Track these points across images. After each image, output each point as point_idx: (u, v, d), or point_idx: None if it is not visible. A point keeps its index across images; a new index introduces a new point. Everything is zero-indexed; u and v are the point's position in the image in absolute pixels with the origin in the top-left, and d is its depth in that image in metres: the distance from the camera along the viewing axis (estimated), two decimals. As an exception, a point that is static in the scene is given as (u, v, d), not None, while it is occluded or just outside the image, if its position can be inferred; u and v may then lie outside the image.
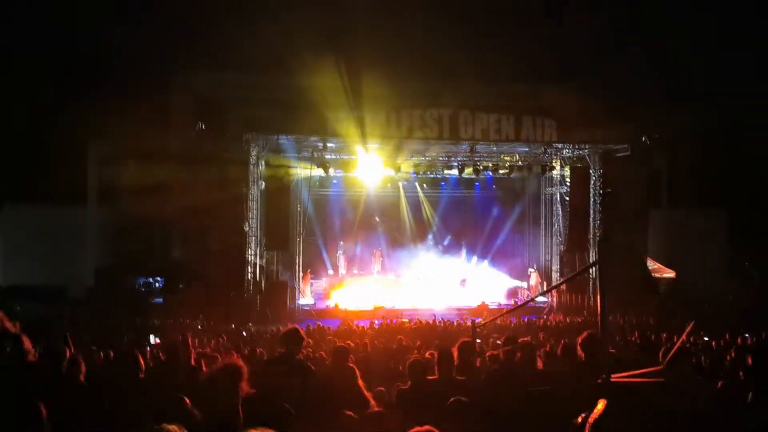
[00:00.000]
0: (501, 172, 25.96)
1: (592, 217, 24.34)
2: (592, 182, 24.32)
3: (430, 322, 18.79)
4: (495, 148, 23.82)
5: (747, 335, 12.73)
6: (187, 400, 3.80)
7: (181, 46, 22.87)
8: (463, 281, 25.51)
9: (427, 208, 27.74)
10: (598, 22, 24.79)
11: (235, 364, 4.23)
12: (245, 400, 4.31)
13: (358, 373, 5.76)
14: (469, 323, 17.30)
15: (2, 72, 22.27)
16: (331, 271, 27.01)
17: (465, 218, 28.07)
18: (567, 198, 25.15)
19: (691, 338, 12.07)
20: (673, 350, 4.76)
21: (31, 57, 22.47)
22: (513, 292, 26.05)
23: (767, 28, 24.31)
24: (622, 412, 2.70)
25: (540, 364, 6.27)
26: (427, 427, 3.09)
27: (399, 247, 27.61)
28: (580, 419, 2.72)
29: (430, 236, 27.91)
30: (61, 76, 22.51)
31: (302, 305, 23.80)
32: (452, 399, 4.26)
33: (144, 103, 21.88)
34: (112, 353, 9.30)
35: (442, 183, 27.25)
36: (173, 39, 22.69)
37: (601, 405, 2.67)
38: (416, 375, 5.45)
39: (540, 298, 24.00)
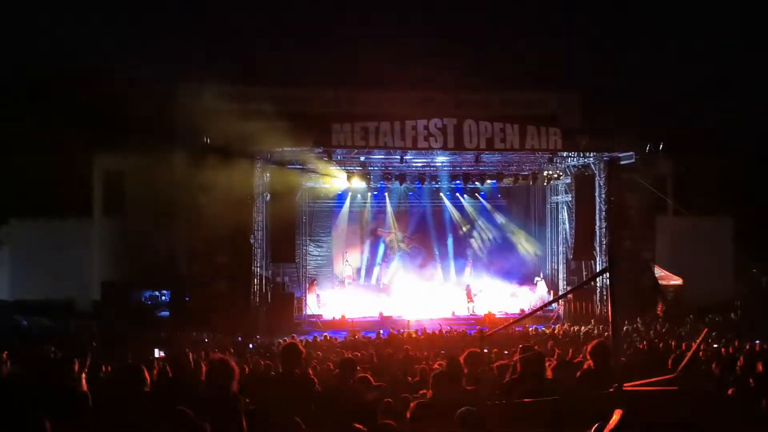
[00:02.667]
0: (506, 181, 25.97)
1: (598, 224, 24.25)
2: (597, 190, 24.25)
3: (437, 332, 18.75)
4: (500, 157, 23.81)
5: (757, 341, 12.65)
6: (191, 414, 3.78)
7: (187, 58, 22.97)
8: (468, 289, 25.44)
9: (432, 218, 27.68)
10: (602, 29, 24.82)
11: (225, 360, 4.23)
12: (250, 414, 4.28)
13: (372, 381, 5.73)
14: (475, 333, 17.28)
15: (8, 84, 22.38)
16: (337, 282, 26.94)
17: (470, 227, 28.02)
18: (573, 206, 25.07)
19: (702, 346, 11.99)
20: (687, 358, 4.71)
21: (36, 68, 22.59)
22: (520, 302, 25.93)
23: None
24: (636, 421, 2.66)
25: (549, 374, 6.22)
26: None
27: (405, 257, 27.57)
28: (593, 430, 2.68)
29: (435, 246, 27.85)
30: (66, 88, 22.60)
31: (309, 317, 23.76)
32: (462, 409, 4.22)
33: (149, 116, 21.94)
34: (118, 367, 9.26)
35: (448, 193, 27.22)
36: (179, 51, 22.80)
37: (616, 416, 2.63)
38: (440, 386, 5.41)
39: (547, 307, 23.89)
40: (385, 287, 26.74)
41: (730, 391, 5.78)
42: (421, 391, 6.51)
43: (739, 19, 24.61)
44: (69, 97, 22.86)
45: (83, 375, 5.75)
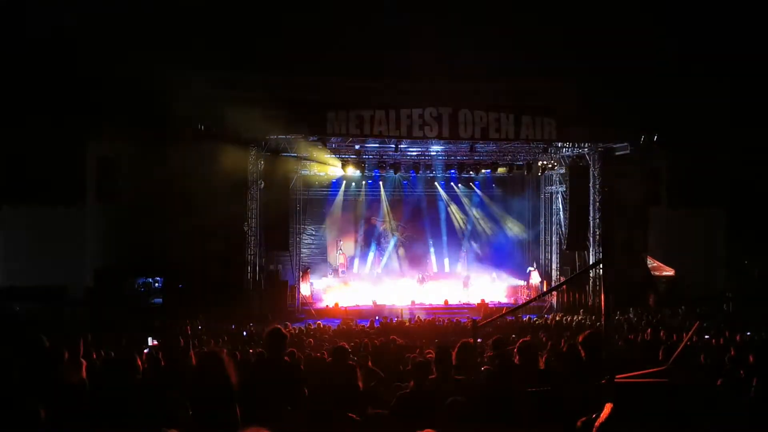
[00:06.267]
0: (500, 170, 25.97)
1: (591, 215, 24.31)
2: (591, 180, 24.30)
3: (431, 320, 18.80)
4: (495, 147, 23.80)
5: (748, 333, 12.73)
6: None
7: (180, 44, 22.82)
8: (467, 280, 25.52)
9: (427, 207, 27.68)
10: (598, 19, 24.76)
11: (215, 351, 4.24)
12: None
13: (359, 373, 5.72)
14: (467, 322, 17.30)
15: (2, 72, 22.22)
16: (330, 271, 26.96)
17: (464, 216, 28.04)
18: (567, 196, 25.13)
19: (694, 337, 12.05)
20: (678, 351, 4.73)
21: (30, 54, 22.43)
22: (513, 291, 26.04)
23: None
24: (626, 413, 2.67)
25: (541, 364, 6.23)
26: (427, 430, 3.05)
27: (399, 245, 27.60)
28: (580, 423, 2.69)
29: (429, 234, 27.88)
30: (60, 74, 22.45)
31: (302, 305, 23.78)
32: (450, 399, 4.23)
33: (143, 103, 21.82)
34: (111, 354, 9.26)
35: (442, 182, 27.24)
36: (172, 37, 22.64)
37: (607, 409, 2.64)
38: (420, 376, 5.42)
39: (539, 297, 23.99)
40: (378, 276, 26.79)
41: (719, 382, 5.83)
42: (411, 381, 6.53)
43: (740, 15, 24.54)
44: (62, 82, 22.71)
45: (83, 362, 5.74)
